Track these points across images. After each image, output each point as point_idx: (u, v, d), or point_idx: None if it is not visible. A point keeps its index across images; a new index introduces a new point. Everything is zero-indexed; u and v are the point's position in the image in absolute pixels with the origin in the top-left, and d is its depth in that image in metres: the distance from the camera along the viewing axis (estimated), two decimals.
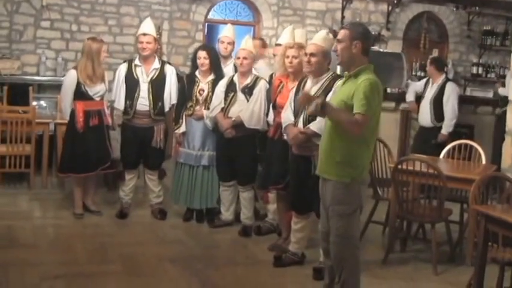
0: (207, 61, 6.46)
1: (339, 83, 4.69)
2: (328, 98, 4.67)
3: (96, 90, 6.52)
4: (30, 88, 8.32)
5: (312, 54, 5.08)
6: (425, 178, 5.70)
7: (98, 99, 6.56)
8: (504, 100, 9.39)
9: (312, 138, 5.07)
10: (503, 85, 9.51)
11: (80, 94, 6.48)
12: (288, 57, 5.61)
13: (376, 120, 4.38)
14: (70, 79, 6.54)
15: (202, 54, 6.48)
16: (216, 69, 6.54)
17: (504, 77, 10.63)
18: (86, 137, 6.51)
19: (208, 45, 7.70)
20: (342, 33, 4.39)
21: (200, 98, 6.52)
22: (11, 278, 4.87)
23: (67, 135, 6.68)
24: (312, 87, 5.17)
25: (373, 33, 9.87)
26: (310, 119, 5.10)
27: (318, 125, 4.91)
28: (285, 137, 5.49)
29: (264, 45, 7.82)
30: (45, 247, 5.75)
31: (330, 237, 4.49)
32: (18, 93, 8.23)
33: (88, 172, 6.61)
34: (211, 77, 6.52)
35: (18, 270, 5.04)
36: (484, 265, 4.61)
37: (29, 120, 7.45)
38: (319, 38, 5.16)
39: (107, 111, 6.71)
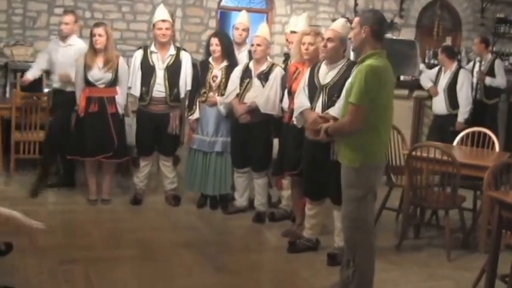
0: (218, 48, 6.47)
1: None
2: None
3: (95, 76, 6.47)
4: (44, 75, 8.33)
5: (329, 39, 5.08)
6: (439, 165, 5.71)
7: (101, 86, 6.50)
8: (492, 91, 9.31)
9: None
10: (491, 74, 9.28)
11: (85, 80, 6.52)
12: (304, 44, 5.61)
13: (384, 106, 4.37)
14: (77, 65, 6.61)
15: (214, 41, 6.50)
16: (228, 55, 6.55)
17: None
18: (85, 123, 6.52)
19: (221, 31, 7.69)
20: (354, 21, 4.50)
21: (214, 84, 6.52)
22: (28, 262, 4.91)
23: (75, 120, 6.73)
24: (327, 72, 5.18)
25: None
26: (328, 104, 5.10)
27: (338, 110, 4.88)
28: (295, 122, 5.49)
29: (77, 20, 7.47)
30: (60, 232, 5.78)
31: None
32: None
33: (88, 157, 6.58)
34: (225, 63, 6.53)
35: (35, 255, 5.08)
36: (497, 251, 4.61)
37: (43, 107, 7.48)
38: (338, 25, 5.18)
39: (118, 100, 6.59)
